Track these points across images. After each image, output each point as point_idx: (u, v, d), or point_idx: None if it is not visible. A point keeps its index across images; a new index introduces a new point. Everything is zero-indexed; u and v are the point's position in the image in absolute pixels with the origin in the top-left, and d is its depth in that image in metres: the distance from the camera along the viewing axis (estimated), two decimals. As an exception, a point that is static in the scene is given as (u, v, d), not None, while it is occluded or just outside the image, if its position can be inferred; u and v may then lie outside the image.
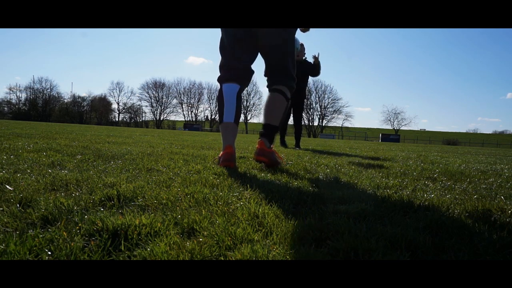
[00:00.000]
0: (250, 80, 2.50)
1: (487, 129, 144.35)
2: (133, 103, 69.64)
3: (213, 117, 67.41)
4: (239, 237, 0.92)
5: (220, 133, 2.42)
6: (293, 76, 2.50)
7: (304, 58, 6.11)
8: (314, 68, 6.03)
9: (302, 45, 6.07)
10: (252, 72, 2.49)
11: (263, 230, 1.00)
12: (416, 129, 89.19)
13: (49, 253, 0.78)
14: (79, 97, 68.35)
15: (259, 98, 63.56)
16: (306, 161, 2.98)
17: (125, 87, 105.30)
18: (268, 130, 2.37)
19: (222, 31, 2.41)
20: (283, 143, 6.19)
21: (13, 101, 63.56)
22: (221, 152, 2.28)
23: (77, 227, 0.93)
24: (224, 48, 2.42)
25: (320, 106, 64.58)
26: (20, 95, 64.80)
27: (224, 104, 2.33)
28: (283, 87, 2.44)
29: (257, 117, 71.38)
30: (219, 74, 2.45)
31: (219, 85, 2.44)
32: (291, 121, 6.46)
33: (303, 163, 2.72)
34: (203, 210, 1.16)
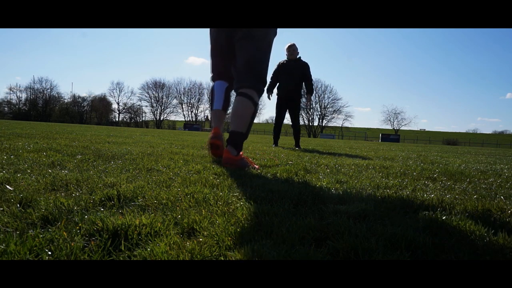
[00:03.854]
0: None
1: (487, 129, 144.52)
2: (133, 103, 69.68)
3: (213, 117, 67.28)
4: (239, 237, 0.93)
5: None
6: (265, 79, 2.43)
7: (298, 57, 6.13)
8: (309, 87, 6.15)
9: (294, 44, 6.11)
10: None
11: (263, 230, 1.00)
12: (416, 129, 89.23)
13: (49, 253, 0.78)
14: (79, 97, 68.39)
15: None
16: (306, 161, 2.98)
17: (125, 87, 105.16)
18: (234, 137, 2.29)
19: (209, 38, 2.65)
20: (276, 144, 6.20)
21: (14, 101, 63.65)
22: (210, 134, 2.61)
23: (77, 227, 0.93)
24: (211, 55, 2.68)
25: (320, 106, 64.57)
26: (20, 95, 64.99)
27: (215, 95, 2.62)
28: (251, 90, 2.34)
29: (257, 117, 71.49)
30: (211, 75, 2.75)
31: (213, 74, 2.74)
32: (288, 121, 6.40)
33: (303, 163, 2.72)
34: (203, 210, 1.16)
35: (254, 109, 2.36)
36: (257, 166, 2.34)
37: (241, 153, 2.35)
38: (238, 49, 2.44)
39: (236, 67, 2.47)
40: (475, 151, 10.99)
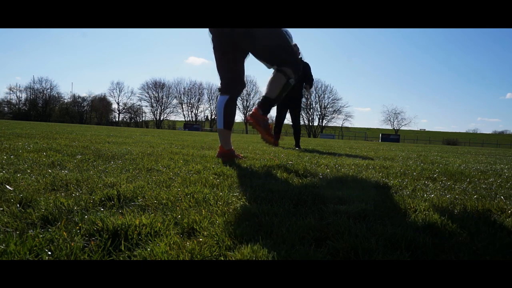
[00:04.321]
0: (240, 87, 2.83)
1: (487, 129, 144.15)
2: (133, 103, 69.47)
3: (213, 117, 67.52)
4: (239, 237, 0.93)
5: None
6: (295, 61, 2.71)
7: (299, 57, 6.15)
8: (310, 80, 6.13)
9: (295, 45, 6.14)
10: (242, 81, 2.83)
11: (263, 230, 1.00)
12: (416, 129, 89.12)
13: (49, 253, 0.78)
14: (79, 97, 68.25)
15: (259, 98, 63.34)
16: (306, 161, 2.98)
17: (125, 87, 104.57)
18: (264, 101, 2.75)
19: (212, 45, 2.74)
20: (276, 144, 6.20)
21: (13, 101, 63.52)
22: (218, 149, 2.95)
23: (77, 227, 0.93)
24: (217, 63, 2.79)
25: (320, 106, 64.51)
26: (20, 95, 64.83)
27: (218, 113, 2.85)
28: (286, 68, 2.67)
29: (257, 117, 71.43)
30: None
31: (220, 86, 2.89)
32: (289, 121, 6.40)
33: (303, 163, 2.72)
34: (203, 210, 1.16)
35: (286, 81, 2.70)
36: (241, 156, 2.85)
37: (270, 124, 2.81)
38: (257, 50, 2.61)
39: (264, 55, 2.68)
40: (475, 151, 10.99)
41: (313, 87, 6.35)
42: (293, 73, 2.68)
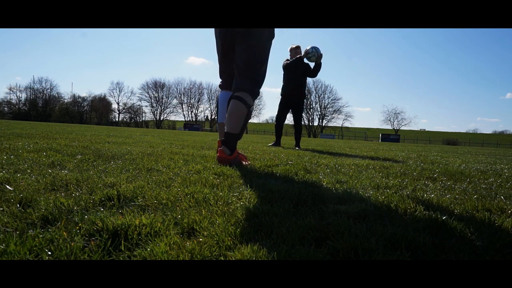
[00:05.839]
0: None
1: (486, 129, 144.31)
2: (133, 103, 69.65)
3: (213, 117, 67.58)
4: (239, 237, 0.93)
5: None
6: (260, 82, 2.53)
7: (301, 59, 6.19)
8: (314, 71, 6.07)
9: (298, 47, 6.19)
10: None
11: (263, 230, 1.00)
12: (416, 129, 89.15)
13: (49, 253, 0.78)
14: (79, 97, 68.32)
15: (259, 99, 63.52)
16: (306, 161, 2.98)
17: (125, 87, 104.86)
18: (228, 139, 2.41)
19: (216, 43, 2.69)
20: (278, 144, 6.21)
21: (13, 101, 63.63)
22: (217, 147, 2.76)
23: (77, 227, 0.93)
24: (218, 59, 2.76)
25: (320, 106, 64.62)
26: (20, 95, 64.91)
27: (219, 108, 2.76)
28: (245, 94, 2.43)
29: (257, 117, 71.90)
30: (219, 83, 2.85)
31: (221, 82, 2.83)
32: (290, 121, 6.45)
33: (303, 163, 2.72)
34: (203, 210, 1.16)
35: (248, 111, 2.45)
36: (248, 162, 2.54)
37: (236, 150, 2.49)
38: (236, 53, 2.53)
39: (235, 70, 2.56)
40: (475, 151, 10.99)
41: (316, 75, 6.27)
42: (252, 100, 2.46)
